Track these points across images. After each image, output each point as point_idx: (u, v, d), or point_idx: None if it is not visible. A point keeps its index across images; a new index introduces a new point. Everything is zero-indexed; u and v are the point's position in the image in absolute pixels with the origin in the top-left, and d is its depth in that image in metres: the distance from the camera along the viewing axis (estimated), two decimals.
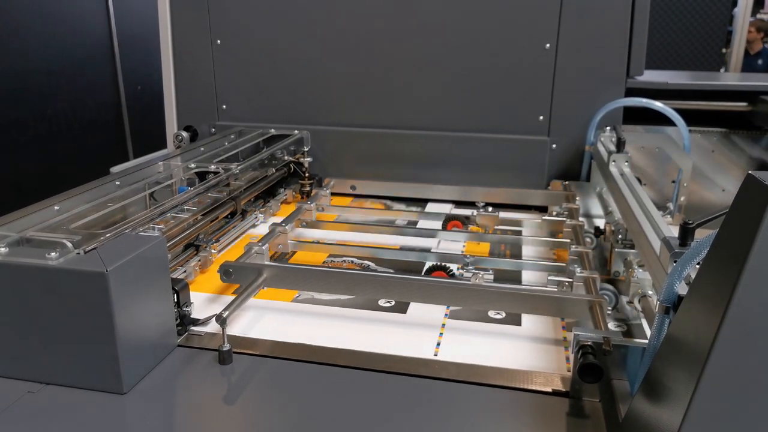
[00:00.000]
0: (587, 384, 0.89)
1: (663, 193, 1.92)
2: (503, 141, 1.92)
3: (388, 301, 1.25)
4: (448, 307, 1.22)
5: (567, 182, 1.87)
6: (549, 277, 1.25)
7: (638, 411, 0.74)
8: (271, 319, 1.18)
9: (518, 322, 1.17)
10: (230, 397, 0.94)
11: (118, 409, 0.89)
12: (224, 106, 2.10)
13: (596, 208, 1.75)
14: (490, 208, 1.63)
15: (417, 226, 1.68)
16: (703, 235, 0.69)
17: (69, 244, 0.93)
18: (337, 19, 1.95)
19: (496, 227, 1.60)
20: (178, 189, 1.52)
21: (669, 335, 0.70)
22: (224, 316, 1.00)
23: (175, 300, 1.08)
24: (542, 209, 1.82)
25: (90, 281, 0.87)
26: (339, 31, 1.96)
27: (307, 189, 1.93)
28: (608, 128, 1.82)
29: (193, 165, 1.57)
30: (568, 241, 1.42)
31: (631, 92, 1.86)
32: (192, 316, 1.13)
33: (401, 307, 1.23)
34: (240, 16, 2.01)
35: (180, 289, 1.09)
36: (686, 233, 0.91)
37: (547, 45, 1.84)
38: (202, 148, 1.73)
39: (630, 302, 1.20)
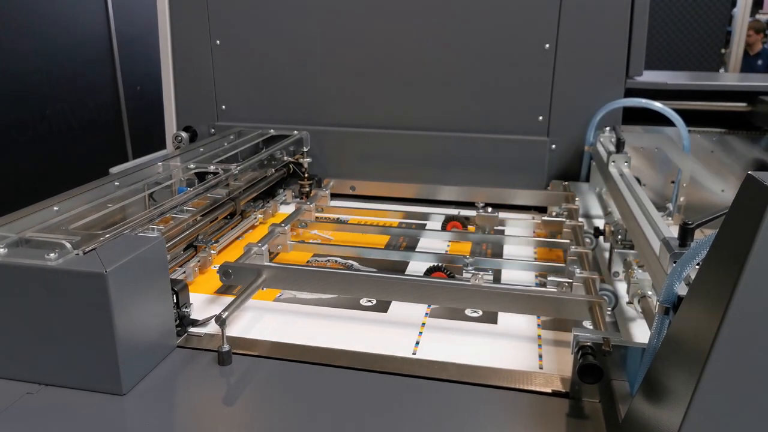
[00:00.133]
0: (587, 384, 0.89)
1: (662, 194, 1.92)
2: (503, 141, 1.92)
3: (369, 300, 1.25)
4: (429, 306, 1.22)
5: (566, 183, 1.87)
6: (549, 278, 1.25)
7: (638, 411, 0.73)
8: (271, 319, 1.18)
9: (494, 320, 1.18)
10: (229, 398, 0.94)
11: (117, 411, 0.89)
12: (223, 107, 2.10)
13: (596, 209, 1.75)
14: (490, 209, 1.63)
15: (416, 227, 1.68)
16: (703, 236, 0.69)
17: (68, 245, 0.93)
18: (336, 20, 1.95)
19: (495, 227, 1.60)
20: (177, 189, 1.52)
21: (669, 336, 0.70)
22: (223, 317, 1.00)
23: (175, 301, 1.08)
24: (542, 210, 1.82)
25: (89, 282, 0.87)
26: (338, 31, 1.96)
27: (307, 189, 1.93)
28: (608, 128, 1.82)
29: (192, 165, 1.57)
30: (568, 241, 1.42)
31: (630, 92, 1.86)
32: (191, 317, 1.12)
33: (383, 306, 1.23)
34: (239, 16, 2.01)
35: (179, 289, 1.09)
36: (686, 234, 0.91)
37: (547, 45, 1.84)
38: (201, 149, 1.72)
39: (630, 302, 1.20)
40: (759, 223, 0.52)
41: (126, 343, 0.91)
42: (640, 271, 1.19)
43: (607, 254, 1.41)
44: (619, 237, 1.35)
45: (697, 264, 0.70)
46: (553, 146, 1.91)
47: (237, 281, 1.21)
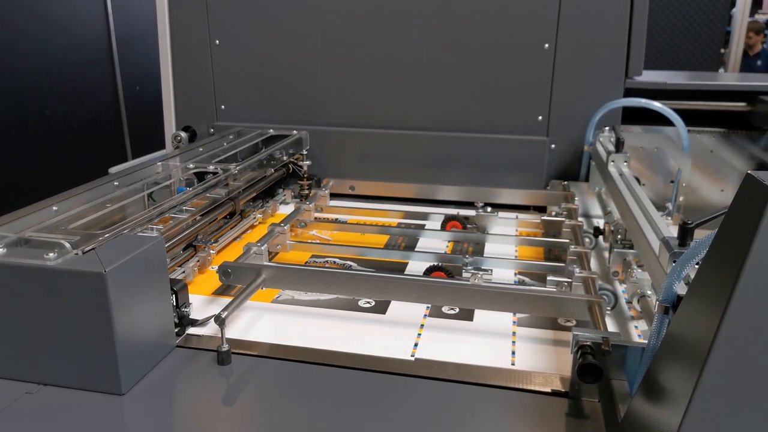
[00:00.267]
0: (586, 384, 0.89)
1: (662, 193, 1.92)
2: (502, 141, 1.92)
3: (368, 302, 1.25)
4: (428, 306, 1.22)
5: (566, 182, 1.87)
6: (548, 278, 1.25)
7: (637, 411, 0.73)
8: (269, 320, 1.18)
9: (470, 318, 1.18)
10: (229, 397, 0.93)
11: (116, 410, 0.89)
12: (223, 107, 2.10)
13: (595, 209, 1.75)
14: (489, 209, 1.63)
15: (415, 227, 1.68)
16: (702, 235, 0.69)
17: (67, 245, 0.93)
18: (335, 19, 1.95)
19: (494, 227, 1.60)
20: (176, 189, 1.52)
21: (668, 335, 0.70)
22: (223, 316, 1.00)
23: (174, 300, 1.08)
24: (541, 209, 1.82)
25: (88, 282, 0.87)
26: (337, 31, 1.96)
27: (306, 189, 1.93)
28: (607, 128, 1.82)
29: (191, 165, 1.57)
30: (567, 241, 1.42)
31: (629, 92, 1.86)
32: (191, 317, 1.12)
33: (381, 307, 1.23)
34: (238, 16, 2.00)
35: (179, 289, 1.09)
36: (685, 233, 0.91)
37: (546, 45, 1.84)
38: (200, 149, 1.72)
39: (629, 302, 1.20)
40: (758, 222, 0.52)
41: (125, 343, 0.91)
42: (639, 270, 1.19)
43: (606, 254, 1.41)
44: (619, 237, 1.35)
45: (697, 263, 0.70)
46: (553, 146, 1.91)
47: (236, 281, 1.21)
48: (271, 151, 1.83)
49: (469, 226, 1.63)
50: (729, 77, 3.39)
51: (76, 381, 0.92)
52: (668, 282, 0.74)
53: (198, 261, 1.38)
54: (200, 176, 1.56)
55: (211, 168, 1.55)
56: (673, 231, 0.98)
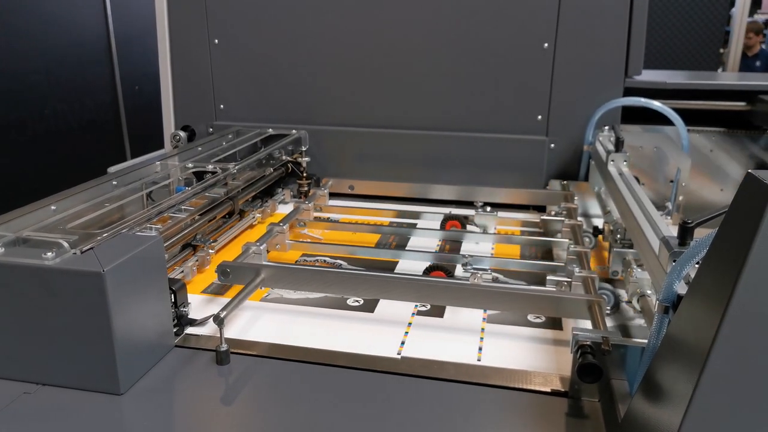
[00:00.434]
0: (586, 384, 0.88)
1: (661, 193, 1.92)
2: (502, 141, 1.91)
3: (357, 300, 1.25)
4: (416, 306, 1.22)
5: (565, 182, 1.87)
6: (548, 277, 1.25)
7: (637, 411, 0.73)
8: (263, 319, 1.18)
9: (441, 314, 1.19)
10: (228, 397, 0.93)
11: (115, 410, 0.88)
12: (222, 106, 2.10)
13: (595, 208, 1.75)
14: (488, 208, 1.62)
15: (415, 227, 1.68)
16: (702, 235, 0.69)
17: (65, 244, 0.92)
18: (334, 19, 1.94)
19: (494, 227, 1.60)
20: (175, 189, 1.52)
21: (668, 335, 0.70)
22: (222, 316, 1.00)
23: (173, 300, 1.07)
24: (541, 209, 1.82)
25: (87, 281, 0.87)
26: (337, 30, 1.95)
27: (305, 189, 1.93)
28: (607, 128, 1.82)
29: (190, 165, 1.56)
30: (567, 240, 1.42)
31: (629, 92, 1.86)
32: (189, 317, 1.12)
33: (370, 306, 1.23)
34: (237, 15, 2.00)
35: (177, 289, 1.09)
36: (685, 233, 0.91)
37: (546, 44, 1.83)
38: (199, 148, 1.72)
39: (629, 302, 1.20)
40: (759, 222, 0.52)
41: (124, 343, 0.90)
42: (639, 270, 1.19)
43: (606, 253, 1.41)
44: (618, 236, 1.35)
45: (697, 263, 0.69)
46: (552, 145, 1.91)
47: (235, 280, 1.21)
48: (270, 151, 1.83)
49: (468, 225, 1.63)
50: (728, 77, 3.38)
51: (74, 381, 0.92)
52: (668, 281, 0.73)
53: (197, 260, 1.37)
54: (199, 176, 1.56)
55: (210, 167, 1.55)
56: (672, 230, 0.98)
